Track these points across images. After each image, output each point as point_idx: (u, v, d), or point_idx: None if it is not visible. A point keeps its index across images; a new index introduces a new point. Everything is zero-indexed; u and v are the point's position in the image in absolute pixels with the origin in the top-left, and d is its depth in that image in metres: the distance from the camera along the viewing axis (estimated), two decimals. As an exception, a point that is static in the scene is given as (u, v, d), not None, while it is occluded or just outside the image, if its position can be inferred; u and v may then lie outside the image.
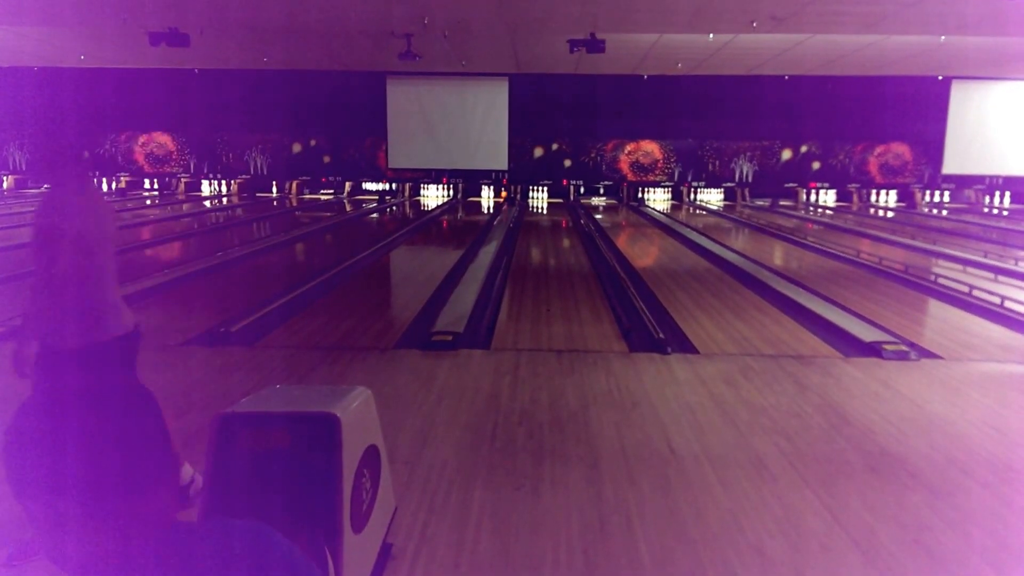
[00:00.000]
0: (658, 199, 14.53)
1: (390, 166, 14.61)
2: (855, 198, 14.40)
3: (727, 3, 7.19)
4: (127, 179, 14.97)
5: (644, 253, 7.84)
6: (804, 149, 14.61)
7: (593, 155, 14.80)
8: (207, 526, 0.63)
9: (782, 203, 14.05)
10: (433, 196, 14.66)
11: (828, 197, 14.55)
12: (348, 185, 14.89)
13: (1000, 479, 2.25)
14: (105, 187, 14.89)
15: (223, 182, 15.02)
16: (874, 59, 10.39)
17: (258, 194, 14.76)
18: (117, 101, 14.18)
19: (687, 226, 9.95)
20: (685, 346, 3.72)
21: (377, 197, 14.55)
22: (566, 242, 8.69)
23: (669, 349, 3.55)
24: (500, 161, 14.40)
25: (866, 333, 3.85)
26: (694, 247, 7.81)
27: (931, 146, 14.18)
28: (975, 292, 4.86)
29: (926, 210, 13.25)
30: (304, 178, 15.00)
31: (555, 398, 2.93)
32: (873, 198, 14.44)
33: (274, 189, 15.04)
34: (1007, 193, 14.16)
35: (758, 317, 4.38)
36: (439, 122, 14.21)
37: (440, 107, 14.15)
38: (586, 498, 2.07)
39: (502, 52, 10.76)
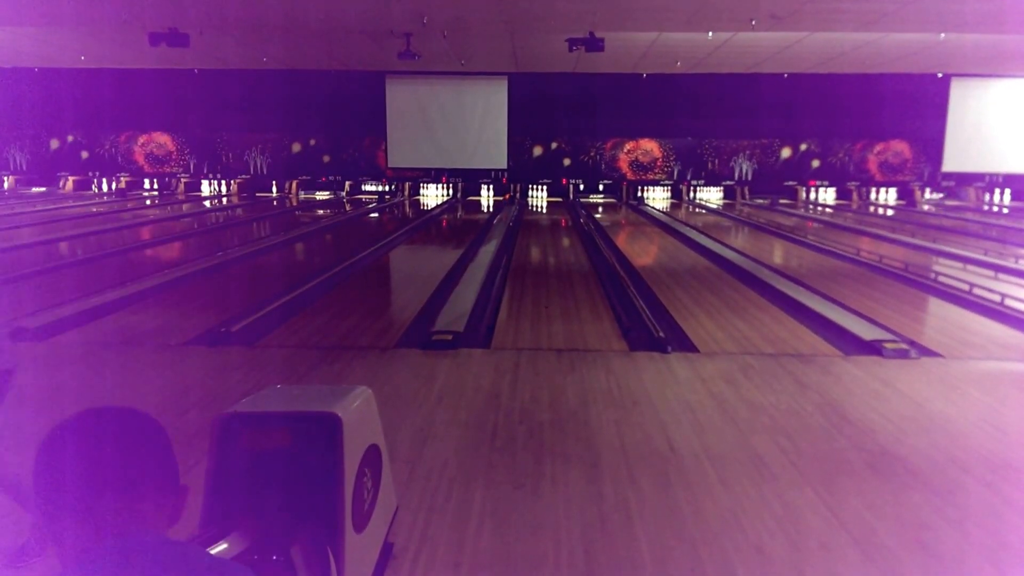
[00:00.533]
0: (657, 198, 14.53)
1: (389, 165, 14.60)
2: (855, 196, 14.39)
3: (726, 1, 7.17)
4: (127, 179, 14.97)
5: (644, 252, 7.84)
6: (804, 147, 14.60)
7: (592, 154, 14.79)
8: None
9: (782, 201, 14.04)
10: (433, 195, 14.66)
11: (828, 195, 14.54)
12: (348, 184, 14.89)
13: (1000, 477, 2.25)
14: (105, 187, 14.91)
15: (223, 182, 15.01)
16: (873, 57, 10.37)
17: (258, 194, 14.75)
18: (117, 101, 14.17)
19: (687, 225, 9.94)
20: (685, 345, 3.72)
21: (376, 197, 14.55)
22: (566, 241, 8.69)
23: (669, 348, 3.56)
24: (499, 160, 14.38)
25: (866, 331, 3.85)
26: (694, 246, 7.81)
27: (931, 144, 14.17)
28: (975, 290, 4.86)
29: (926, 207, 13.25)
30: (304, 177, 14.99)
31: (555, 397, 2.94)
32: (873, 196, 14.44)
33: (274, 189, 15.03)
34: (1007, 190, 14.15)
35: (758, 316, 4.38)
36: (438, 121, 14.20)
37: (439, 106, 14.14)
38: (586, 497, 2.08)
39: (501, 51, 10.74)
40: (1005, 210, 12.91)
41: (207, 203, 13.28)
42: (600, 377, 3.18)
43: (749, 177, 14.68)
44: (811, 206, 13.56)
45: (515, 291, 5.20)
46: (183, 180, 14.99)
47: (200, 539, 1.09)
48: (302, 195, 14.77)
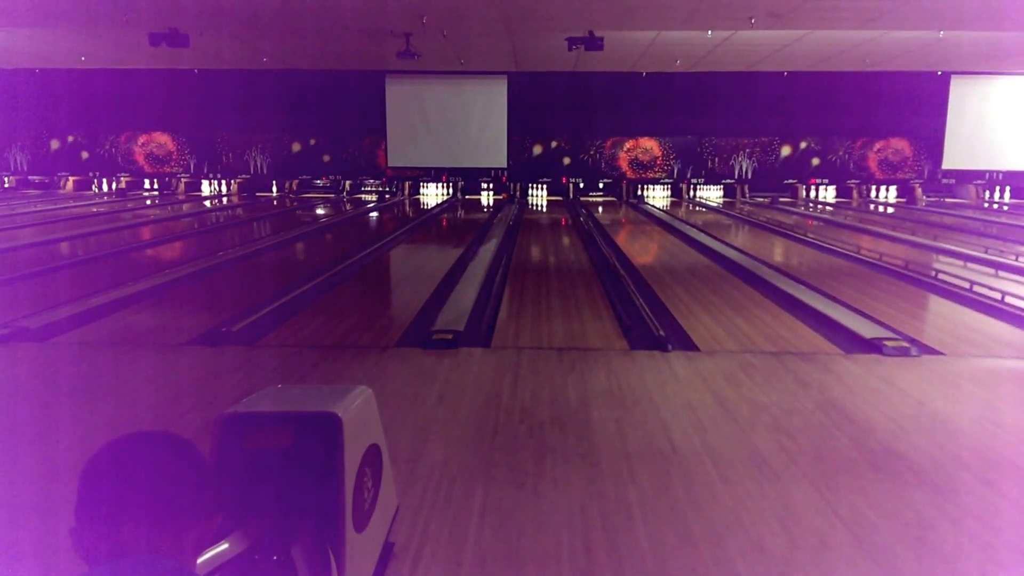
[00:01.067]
0: (657, 196, 14.51)
1: (389, 165, 14.59)
2: (855, 194, 14.36)
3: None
4: (127, 179, 14.95)
5: (644, 250, 7.83)
6: (803, 145, 14.57)
7: (592, 152, 14.77)
8: None
9: (782, 200, 14.03)
10: (433, 194, 14.65)
11: (828, 193, 14.52)
12: (347, 184, 14.88)
13: (1002, 476, 2.24)
14: (105, 187, 14.91)
15: (223, 182, 15.01)
16: (873, 54, 10.36)
17: (258, 194, 14.75)
18: (116, 101, 14.16)
19: (687, 223, 9.93)
20: (686, 343, 3.71)
21: (376, 196, 14.55)
22: (566, 240, 8.68)
23: (670, 346, 3.55)
24: (499, 159, 14.37)
25: (867, 329, 3.85)
26: (694, 244, 7.80)
27: (931, 141, 14.15)
28: (976, 288, 4.86)
29: (924, 205, 13.23)
30: (304, 177, 14.99)
31: (556, 396, 2.93)
32: (873, 194, 14.42)
33: (274, 188, 15.03)
34: (1007, 188, 14.13)
35: (758, 314, 4.38)
36: (438, 120, 14.18)
37: (439, 105, 14.12)
38: (588, 495, 2.07)
39: (500, 50, 10.73)
40: (1005, 207, 12.90)
41: (207, 203, 13.28)
42: (601, 376, 3.17)
43: (749, 175, 14.66)
44: (811, 204, 13.55)
45: (515, 290, 5.20)
46: (183, 180, 14.98)
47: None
48: (297, 194, 14.74)
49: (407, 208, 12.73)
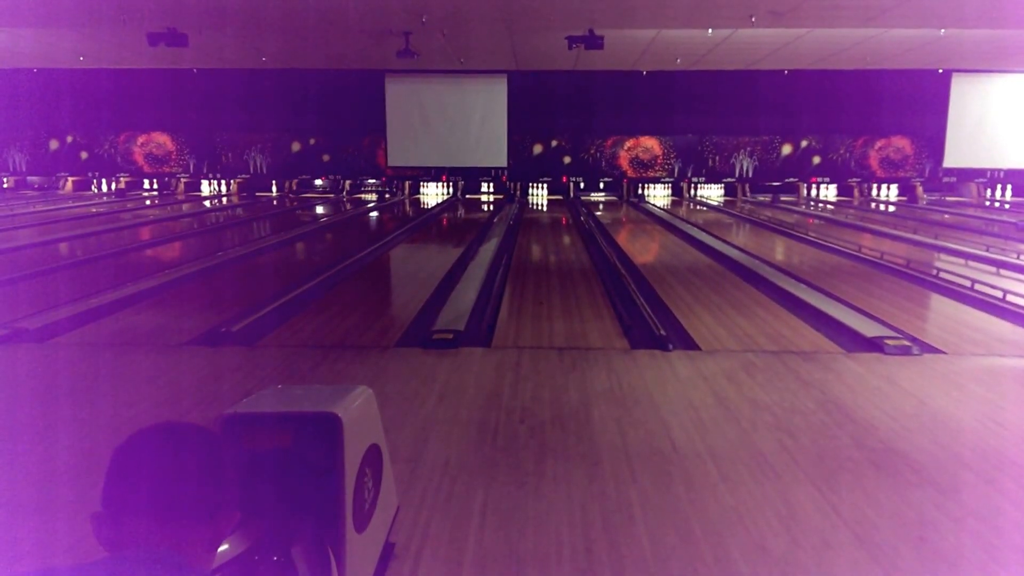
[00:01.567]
0: (658, 195, 14.49)
1: (389, 164, 14.58)
2: (856, 192, 14.34)
3: (726, -3, 7.15)
4: (126, 179, 14.95)
5: (645, 249, 7.82)
6: (804, 144, 14.55)
7: (593, 151, 14.75)
8: None
9: (783, 198, 14.01)
10: (433, 194, 14.64)
11: (829, 192, 14.50)
12: (347, 183, 14.87)
13: (1004, 475, 2.24)
14: (105, 188, 14.90)
15: (222, 182, 14.99)
16: (874, 53, 10.34)
17: (258, 193, 14.73)
18: (116, 101, 14.15)
19: (688, 222, 9.92)
20: (687, 342, 3.71)
21: (376, 196, 14.54)
22: (566, 239, 8.67)
23: (671, 346, 3.55)
24: (499, 158, 14.36)
25: (868, 328, 3.84)
26: (695, 243, 7.79)
27: (932, 140, 14.12)
28: (977, 286, 4.85)
29: (925, 203, 13.20)
30: (304, 177, 14.98)
31: (557, 395, 2.93)
32: (874, 192, 14.39)
33: (274, 188, 15.01)
34: (1008, 186, 14.09)
35: (759, 313, 4.37)
36: (438, 120, 14.17)
37: (439, 105, 14.11)
38: (589, 495, 2.07)
39: (500, 49, 10.72)
40: (1007, 206, 12.87)
41: (207, 203, 13.27)
42: (601, 375, 3.17)
43: (750, 174, 14.64)
44: (812, 203, 13.53)
45: (516, 290, 5.19)
46: (183, 180, 14.97)
47: None
48: (292, 194, 14.72)
49: (407, 208, 12.72)
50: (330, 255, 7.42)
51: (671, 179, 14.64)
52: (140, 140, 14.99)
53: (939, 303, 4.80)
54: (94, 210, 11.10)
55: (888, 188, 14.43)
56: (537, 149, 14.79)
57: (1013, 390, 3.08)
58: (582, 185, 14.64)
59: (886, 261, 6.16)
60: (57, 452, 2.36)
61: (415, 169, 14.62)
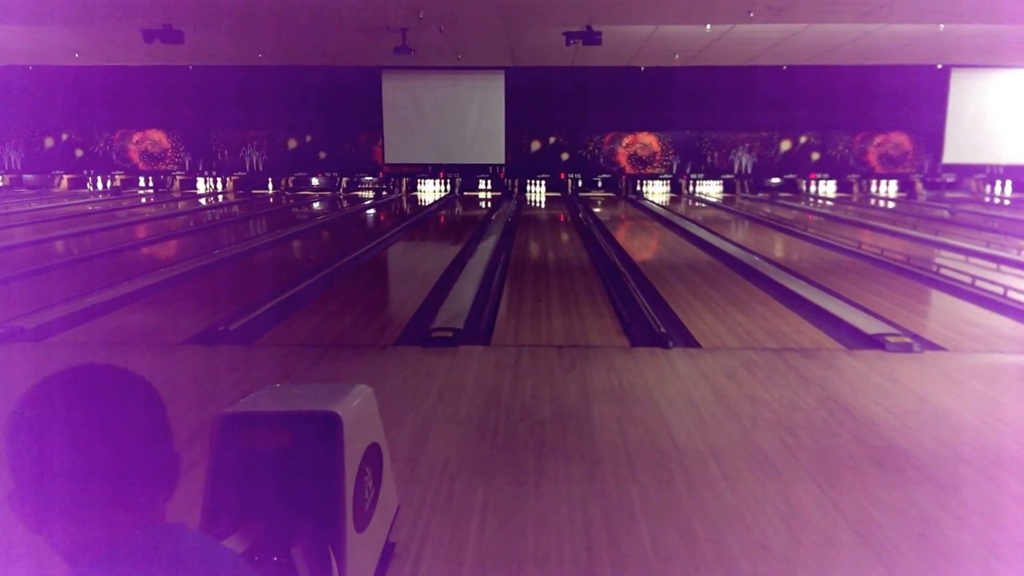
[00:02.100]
0: (657, 192, 14.46)
1: (386, 161, 14.52)
2: (855, 188, 14.32)
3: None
4: (122, 177, 14.85)
5: (644, 246, 7.81)
6: (803, 140, 14.53)
7: (591, 148, 14.71)
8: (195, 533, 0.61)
9: (782, 195, 14.00)
10: (430, 191, 14.58)
11: (828, 188, 14.48)
12: (344, 181, 14.80)
13: (1006, 472, 2.23)
14: (100, 185, 14.81)
15: (218, 179, 14.91)
16: (872, 48, 10.32)
17: (254, 191, 14.66)
18: (111, 99, 14.06)
19: (686, 219, 9.90)
20: (686, 340, 3.70)
21: (373, 193, 14.48)
22: (564, 236, 8.65)
23: (670, 343, 3.53)
24: (497, 155, 14.31)
25: (868, 325, 3.83)
26: (694, 240, 7.77)
27: (931, 136, 14.10)
28: (978, 282, 4.84)
29: (924, 199, 13.20)
30: (300, 174, 14.91)
31: (556, 393, 2.91)
32: (873, 188, 14.37)
33: (270, 186, 14.94)
34: (1008, 182, 14.09)
35: (759, 310, 4.36)
36: (435, 116, 14.11)
37: (436, 101, 14.04)
38: (589, 494, 2.06)
39: (498, 45, 10.66)
40: (1007, 201, 12.87)
41: (203, 201, 13.20)
42: (601, 373, 3.15)
43: (749, 170, 14.62)
44: (812, 199, 13.52)
45: (515, 287, 5.17)
46: (178, 178, 14.88)
47: None
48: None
49: (404, 205, 12.68)
50: (327, 253, 7.38)
51: (669, 175, 14.61)
52: (136, 137, 14.89)
53: (939, 299, 4.80)
54: (89, 208, 11.03)
55: (887, 184, 14.42)
56: (535, 146, 14.74)
57: (1014, 387, 3.08)
58: (580, 182, 14.59)
59: (886, 257, 6.16)
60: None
61: (412, 166, 14.56)
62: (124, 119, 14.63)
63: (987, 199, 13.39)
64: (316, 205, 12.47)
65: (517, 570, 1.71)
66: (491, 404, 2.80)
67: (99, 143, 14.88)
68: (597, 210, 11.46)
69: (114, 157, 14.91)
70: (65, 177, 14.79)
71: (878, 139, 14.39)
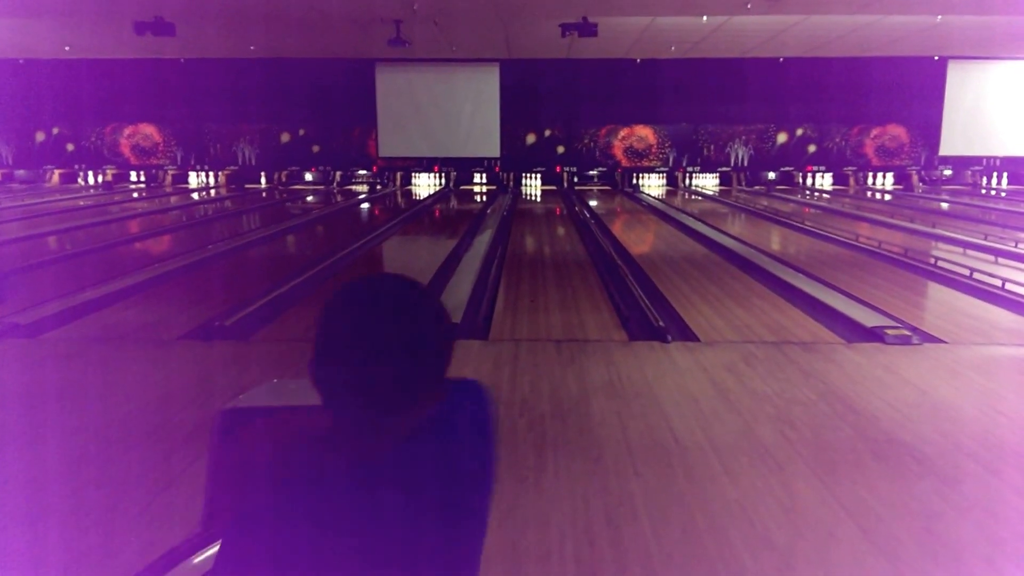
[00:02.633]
0: (653, 185, 14.42)
1: (380, 155, 14.39)
2: (852, 181, 14.32)
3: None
4: (113, 172, 14.66)
5: (640, 240, 7.78)
6: (799, 132, 14.51)
7: (586, 141, 14.63)
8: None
9: (778, 187, 13.99)
10: (425, 185, 14.48)
11: (824, 181, 14.47)
12: (338, 175, 14.66)
13: (1009, 465, 2.23)
14: (91, 180, 14.61)
15: (210, 174, 14.73)
16: (868, 40, 10.29)
17: (246, 185, 14.50)
18: (102, 92, 13.84)
19: (683, 212, 9.87)
20: (685, 334, 3.68)
21: (367, 187, 14.36)
22: (561, 230, 8.61)
23: (669, 337, 3.51)
24: (492, 148, 14.21)
25: (867, 318, 3.83)
26: (691, 233, 7.75)
27: (928, 128, 14.10)
28: (976, 275, 4.84)
29: (921, 191, 13.23)
30: (293, 168, 14.76)
31: (555, 388, 2.89)
32: (870, 181, 14.37)
33: (263, 180, 14.79)
34: (1004, 174, 14.11)
35: (758, 303, 4.35)
36: (429, 109, 13.98)
37: (430, 94, 13.91)
38: (591, 489, 2.04)
39: (493, 37, 10.55)
40: (1003, 194, 12.91)
41: (195, 195, 13.05)
42: (600, 367, 3.13)
43: (745, 163, 14.59)
44: (808, 192, 13.51)
45: (511, 281, 5.14)
46: (170, 172, 14.71)
47: (201, 537, 1.04)
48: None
49: (399, 199, 12.59)
50: (322, 248, 7.31)
51: (666, 169, 14.56)
52: (127, 131, 14.68)
53: (938, 292, 4.79)
54: (81, 203, 10.88)
55: (884, 176, 14.43)
56: (530, 139, 14.64)
57: (1013, 379, 3.08)
58: (576, 176, 14.52)
59: (883, 250, 6.15)
60: (46, 451, 2.29)
61: (406, 160, 14.44)
62: (115, 113, 14.41)
63: (983, 191, 13.45)
64: (310, 199, 12.36)
65: (519, 566, 1.69)
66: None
67: (90, 137, 14.66)
68: (593, 203, 11.42)
69: (105, 152, 14.70)
70: (56, 172, 14.58)
71: (875, 131, 14.38)
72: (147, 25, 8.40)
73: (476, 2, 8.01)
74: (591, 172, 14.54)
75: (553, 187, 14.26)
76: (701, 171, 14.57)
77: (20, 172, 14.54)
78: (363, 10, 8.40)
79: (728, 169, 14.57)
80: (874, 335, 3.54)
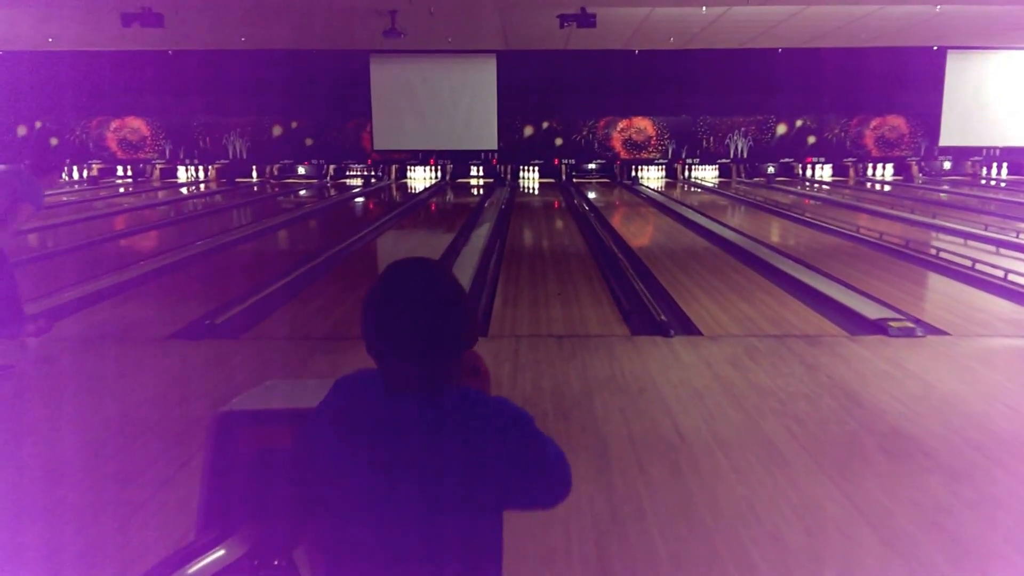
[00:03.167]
0: (652, 177, 14.34)
1: (375, 148, 14.23)
2: (851, 172, 14.28)
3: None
4: (99, 166, 14.40)
5: (641, 233, 7.73)
6: (799, 123, 14.45)
7: (585, 133, 14.52)
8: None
9: (778, 179, 13.95)
10: (420, 178, 14.34)
11: (824, 172, 14.41)
12: (331, 168, 14.49)
13: (1017, 458, 2.20)
14: (76, 175, 14.34)
15: (200, 168, 14.51)
16: (868, 30, 10.22)
17: (237, 180, 14.29)
18: (87, 85, 13.57)
19: (683, 204, 9.83)
20: (688, 328, 3.64)
21: (361, 181, 14.21)
22: (560, 223, 8.55)
23: (672, 331, 3.47)
24: (489, 141, 14.08)
25: (871, 310, 3.79)
26: (691, 225, 7.71)
27: (928, 118, 14.03)
28: (978, 266, 4.82)
29: (920, 182, 13.22)
30: (285, 162, 14.57)
31: (557, 385, 2.84)
32: (870, 172, 14.33)
33: (254, 174, 14.58)
34: (1004, 164, 14.08)
35: (760, 296, 4.31)
36: (425, 102, 13.81)
37: (426, 86, 13.74)
38: (596, 488, 2.00)
39: (489, 28, 10.41)
40: (1003, 184, 12.91)
41: (184, 190, 12.87)
42: (603, 363, 3.08)
43: (744, 155, 14.52)
44: (808, 183, 13.47)
45: (510, 276, 5.07)
46: (158, 166, 14.47)
47: (197, 544, 1.01)
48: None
49: (394, 193, 12.46)
50: (316, 243, 7.22)
51: (665, 160, 14.48)
52: (113, 125, 14.43)
53: (940, 283, 4.77)
54: (64, 199, 10.69)
55: (883, 167, 14.39)
56: (528, 131, 14.52)
57: (1019, 371, 3.05)
58: (574, 170, 14.42)
59: (885, 242, 6.12)
60: (24, 452, 2.22)
61: (402, 153, 14.30)
62: (101, 106, 14.14)
63: (983, 181, 13.44)
64: (303, 193, 12.21)
65: (524, 569, 1.65)
66: (491, 396, 2.71)
67: (75, 131, 14.40)
68: (592, 196, 11.35)
69: (91, 146, 14.44)
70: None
71: (875, 122, 14.34)
72: (134, 16, 8.21)
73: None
74: (590, 165, 14.45)
75: (551, 180, 14.16)
76: (700, 163, 14.49)
77: (1, 167, 14.24)
78: (359, 0, 8.25)
79: (727, 161, 14.50)
80: (877, 328, 3.51)
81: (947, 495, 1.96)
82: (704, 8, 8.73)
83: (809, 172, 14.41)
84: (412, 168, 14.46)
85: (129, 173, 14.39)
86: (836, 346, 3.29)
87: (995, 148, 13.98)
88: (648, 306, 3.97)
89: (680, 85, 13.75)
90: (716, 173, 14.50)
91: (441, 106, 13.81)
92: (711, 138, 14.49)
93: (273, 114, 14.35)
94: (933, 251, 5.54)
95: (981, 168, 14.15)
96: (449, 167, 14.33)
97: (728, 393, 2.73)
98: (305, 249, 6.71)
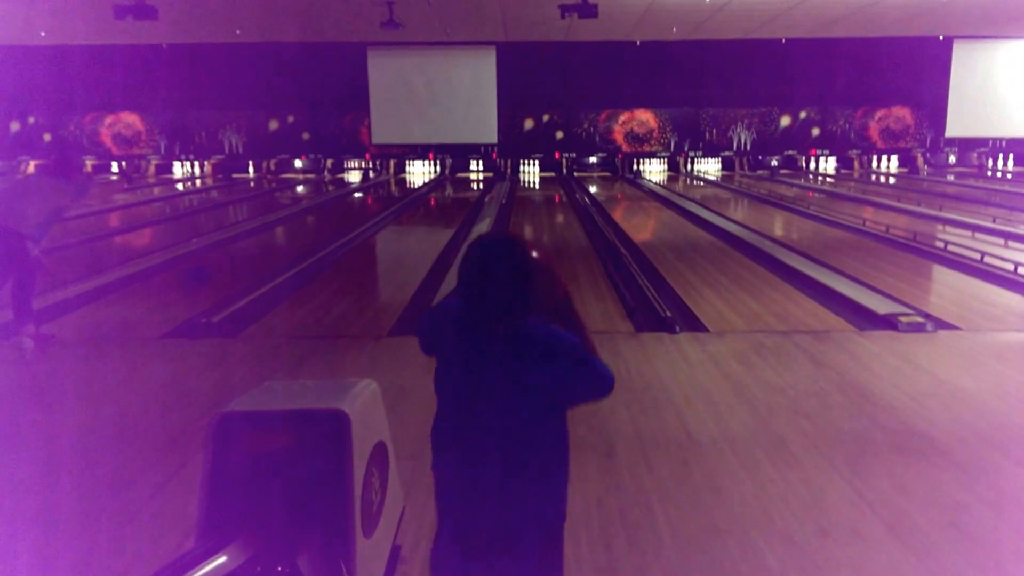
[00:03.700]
0: (655, 170, 14.23)
1: (373, 142, 14.11)
2: (856, 164, 14.16)
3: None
4: (93, 162, 14.25)
5: (643, 227, 7.67)
6: (803, 115, 14.30)
7: (586, 126, 14.39)
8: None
9: (782, 171, 13.84)
10: (419, 173, 14.24)
11: (828, 164, 14.28)
12: (329, 163, 14.37)
13: (1031, 453, 2.17)
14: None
15: (196, 163, 14.39)
16: (874, 19, 10.09)
17: (234, 175, 14.17)
18: (81, 80, 13.41)
19: (686, 197, 9.76)
20: (693, 324, 3.59)
21: (360, 175, 14.11)
22: (561, 218, 8.49)
23: (677, 328, 3.42)
24: (489, 134, 13.96)
25: (879, 305, 3.75)
26: (695, 219, 7.65)
27: (933, 109, 13.89)
28: (987, 259, 4.77)
29: (926, 174, 13.11)
30: (282, 156, 14.44)
31: (563, 382, 2.80)
32: (875, 164, 14.20)
33: (251, 169, 14.47)
34: (1010, 155, 13.94)
35: (766, 291, 4.26)
36: (424, 95, 13.68)
37: (425, 79, 13.60)
38: (604, 487, 1.97)
39: (489, 19, 10.27)
40: (1009, 175, 12.81)
41: (180, 186, 12.78)
42: (608, 360, 2.98)
43: (748, 147, 14.39)
44: (812, 176, 13.36)
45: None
46: (153, 162, 14.35)
47: (197, 551, 0.98)
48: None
49: (393, 187, 12.37)
50: (314, 239, 7.15)
51: (667, 153, 14.36)
52: (108, 120, 14.29)
53: (949, 276, 4.72)
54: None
55: (888, 159, 14.26)
56: (528, 124, 14.39)
57: (1032, 366, 3.01)
58: (575, 164, 14.30)
59: (891, 235, 6.06)
60: (19, 455, 2.19)
61: (400, 147, 14.18)
62: (95, 101, 13.99)
63: (989, 173, 13.32)
64: (300, 189, 12.13)
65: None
66: (495, 394, 2.67)
67: (69, 126, 14.26)
68: (594, 190, 11.27)
69: (85, 141, 14.31)
70: (32, 163, 14.18)
71: (879, 113, 14.19)
72: (127, 9, 8.08)
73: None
74: (591, 158, 14.33)
75: (552, 174, 14.06)
76: (703, 156, 14.36)
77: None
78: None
79: (731, 153, 14.37)
80: (887, 323, 3.47)
81: (961, 491, 1.93)
82: (707, -3, 8.60)
83: (813, 164, 14.30)
84: (411, 162, 14.35)
85: (124, 168, 14.23)
86: (845, 342, 3.25)
87: (1001, 139, 13.83)
88: (653, 302, 3.92)
89: (683, 77, 13.61)
90: (719, 166, 14.38)
91: (440, 99, 13.68)
92: (714, 130, 14.35)
93: (269, 108, 14.21)
94: (941, 244, 5.49)
95: (987, 159, 14.03)
96: (448, 161, 14.23)
97: (736, 390, 2.69)
98: (303, 246, 6.64)
